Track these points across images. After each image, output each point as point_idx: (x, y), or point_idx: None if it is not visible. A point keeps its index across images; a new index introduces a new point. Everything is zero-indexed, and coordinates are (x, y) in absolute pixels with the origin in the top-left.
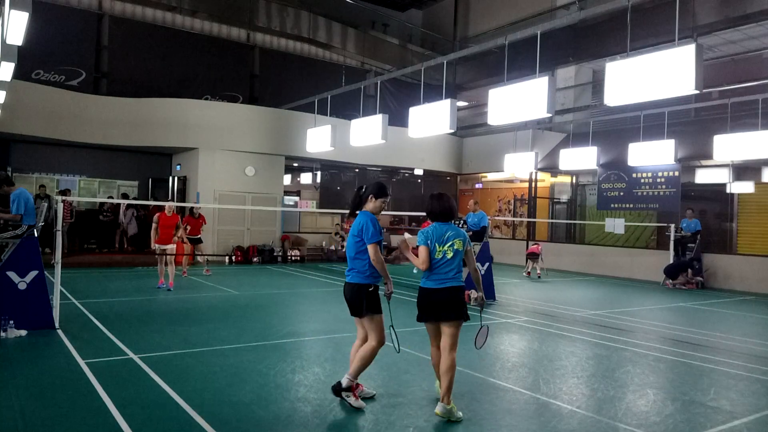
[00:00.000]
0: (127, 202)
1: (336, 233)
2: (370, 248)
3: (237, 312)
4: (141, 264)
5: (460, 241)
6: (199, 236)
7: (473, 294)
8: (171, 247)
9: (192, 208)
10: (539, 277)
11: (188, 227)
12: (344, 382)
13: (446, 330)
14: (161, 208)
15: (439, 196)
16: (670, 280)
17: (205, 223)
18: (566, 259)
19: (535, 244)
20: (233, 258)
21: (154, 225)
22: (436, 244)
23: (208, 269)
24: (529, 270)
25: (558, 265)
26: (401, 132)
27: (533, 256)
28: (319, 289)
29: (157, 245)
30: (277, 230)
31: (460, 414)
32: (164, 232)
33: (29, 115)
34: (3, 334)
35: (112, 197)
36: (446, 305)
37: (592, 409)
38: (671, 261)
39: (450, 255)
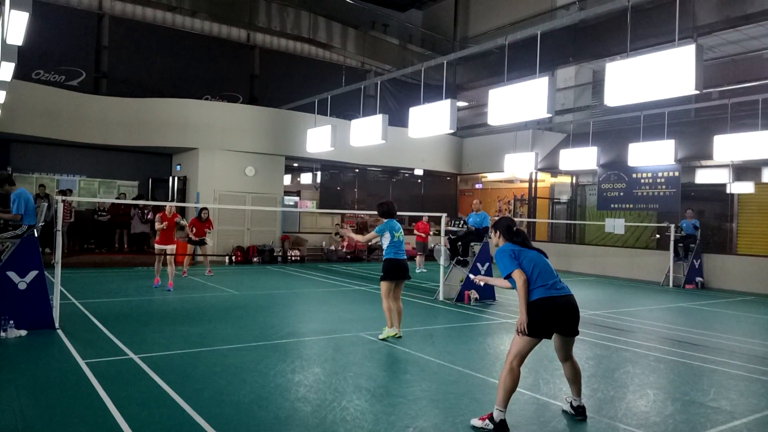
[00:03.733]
0: (129, 202)
1: (336, 233)
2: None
3: (237, 312)
4: (141, 264)
5: (401, 231)
6: (203, 238)
7: (473, 294)
8: (171, 248)
9: (201, 211)
10: None
11: (194, 229)
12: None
13: (401, 284)
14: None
15: (388, 203)
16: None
17: (211, 229)
18: (566, 259)
19: None
20: (233, 258)
21: (158, 226)
22: (395, 232)
23: (210, 270)
24: None
25: (558, 265)
26: (401, 132)
27: None
28: (318, 289)
29: (156, 245)
30: (277, 230)
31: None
32: (164, 233)
33: (29, 115)
34: (3, 334)
35: (124, 195)
36: (406, 270)
37: (592, 409)
38: (671, 261)
39: (402, 238)
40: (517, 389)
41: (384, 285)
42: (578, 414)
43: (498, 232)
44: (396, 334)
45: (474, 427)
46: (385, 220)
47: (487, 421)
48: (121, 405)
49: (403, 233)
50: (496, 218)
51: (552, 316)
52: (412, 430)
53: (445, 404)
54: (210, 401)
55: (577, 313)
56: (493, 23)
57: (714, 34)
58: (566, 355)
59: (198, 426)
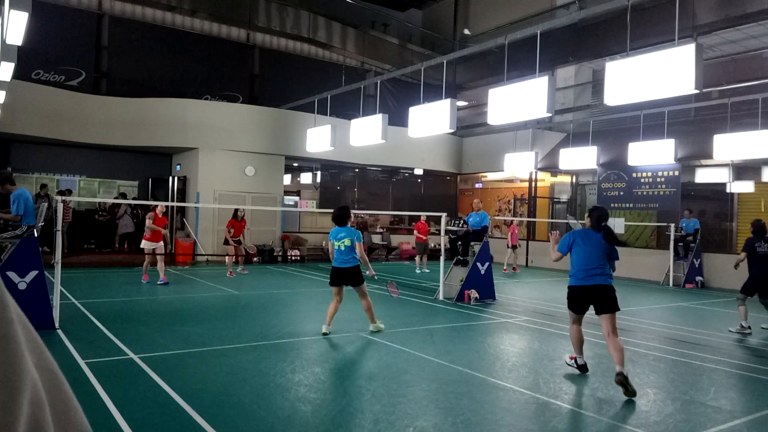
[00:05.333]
0: (122, 201)
1: None
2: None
3: (237, 312)
4: (141, 264)
5: (349, 239)
6: (239, 238)
7: (473, 294)
8: (159, 245)
9: (236, 210)
10: (515, 271)
11: (232, 230)
12: None
13: (354, 289)
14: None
15: (339, 208)
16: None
17: (245, 227)
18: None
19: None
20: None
21: (149, 224)
22: (335, 240)
23: (244, 269)
24: (512, 265)
25: (558, 264)
26: (401, 132)
27: (514, 248)
28: (319, 289)
29: (147, 243)
30: (277, 230)
31: (382, 325)
32: (154, 232)
33: (29, 115)
34: None
35: (125, 194)
36: (346, 278)
37: (592, 408)
38: (671, 260)
39: (342, 248)
40: (517, 389)
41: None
42: (617, 377)
43: (589, 218)
44: (324, 331)
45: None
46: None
47: (573, 361)
48: (121, 405)
49: (348, 242)
50: (497, 218)
51: (578, 299)
52: (412, 430)
53: (445, 404)
54: (210, 401)
55: (607, 296)
56: (492, 23)
57: (714, 34)
58: (607, 331)
59: (198, 426)
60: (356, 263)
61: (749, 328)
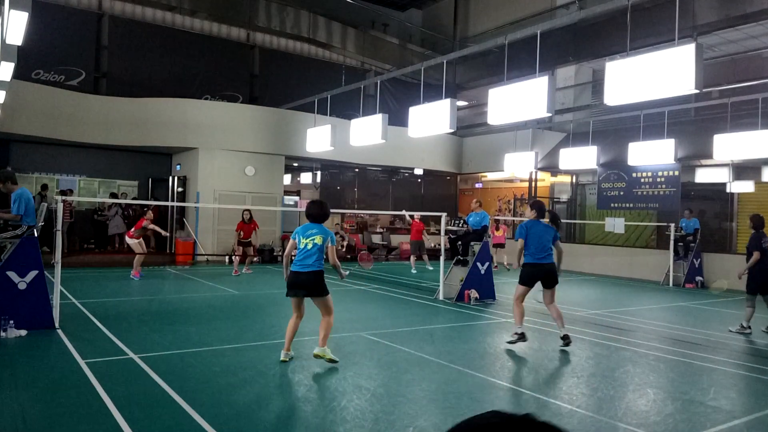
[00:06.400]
0: (121, 201)
1: (336, 233)
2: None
3: (237, 312)
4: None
5: (320, 237)
6: (249, 239)
7: (473, 294)
8: (133, 242)
9: (243, 213)
10: (508, 269)
11: (242, 233)
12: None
13: (315, 302)
14: (161, 209)
15: (311, 202)
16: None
17: (257, 228)
18: (566, 258)
19: (500, 232)
20: (233, 256)
21: (144, 225)
22: (301, 237)
23: (248, 268)
24: (495, 264)
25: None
26: (401, 132)
27: (500, 246)
28: None
29: (132, 240)
30: (277, 230)
31: (336, 359)
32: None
33: (29, 115)
34: (3, 334)
35: (125, 194)
36: (307, 287)
37: (592, 408)
38: (671, 260)
39: (310, 245)
40: (517, 389)
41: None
42: (564, 340)
43: (533, 210)
44: (283, 359)
45: (509, 342)
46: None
47: (514, 336)
48: (121, 405)
49: (319, 240)
50: (497, 218)
51: (532, 275)
52: (412, 430)
53: (445, 404)
54: (210, 401)
55: (553, 274)
56: (493, 23)
57: (714, 33)
58: (548, 301)
59: (198, 426)
60: (320, 268)
61: (749, 328)
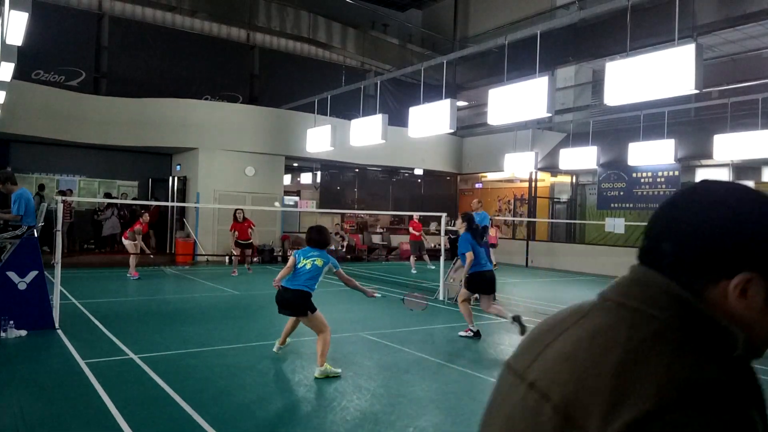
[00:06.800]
0: (119, 201)
1: (336, 233)
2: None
3: (237, 312)
4: (140, 264)
5: (321, 260)
6: (249, 241)
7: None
8: (127, 243)
9: (235, 212)
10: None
11: (236, 232)
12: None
13: (302, 321)
14: (161, 209)
15: (312, 229)
16: None
17: (253, 227)
18: (566, 258)
19: (492, 232)
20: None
21: (138, 227)
22: (302, 257)
23: (249, 268)
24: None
25: (558, 264)
26: (401, 132)
27: (492, 246)
28: (319, 289)
29: (127, 241)
30: (277, 230)
31: (338, 370)
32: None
33: (29, 115)
34: (3, 334)
35: (125, 194)
36: (292, 307)
37: None
38: None
39: (309, 266)
40: None
41: None
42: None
43: (465, 223)
44: (277, 349)
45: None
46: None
47: (468, 332)
48: (121, 405)
49: (320, 262)
50: (497, 217)
51: (481, 282)
52: (412, 430)
53: (445, 404)
54: (210, 401)
55: (494, 280)
56: (492, 23)
57: (714, 34)
58: (486, 306)
59: (198, 426)
60: (308, 290)
61: None
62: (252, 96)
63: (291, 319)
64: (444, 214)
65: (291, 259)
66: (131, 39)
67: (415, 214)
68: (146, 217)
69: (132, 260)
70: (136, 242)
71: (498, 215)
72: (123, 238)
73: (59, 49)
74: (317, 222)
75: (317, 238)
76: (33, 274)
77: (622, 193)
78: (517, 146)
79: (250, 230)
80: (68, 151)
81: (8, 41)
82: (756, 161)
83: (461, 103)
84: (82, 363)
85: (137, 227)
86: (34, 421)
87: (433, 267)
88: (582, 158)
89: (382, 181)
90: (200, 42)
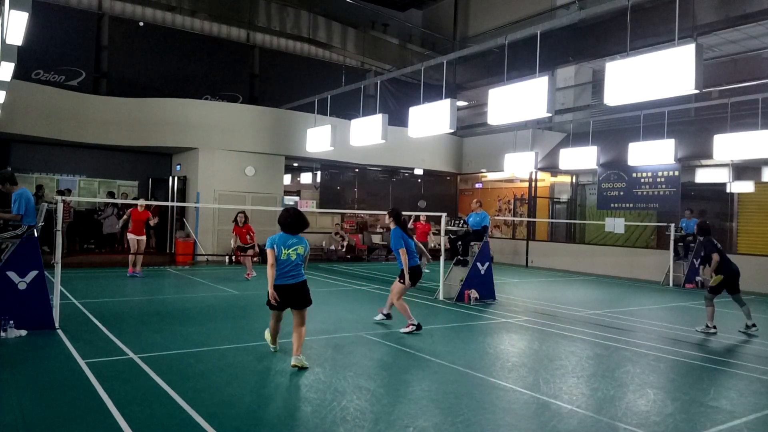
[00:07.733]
0: (118, 201)
1: (336, 233)
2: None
3: (237, 312)
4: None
5: (302, 247)
6: (251, 244)
7: (473, 294)
8: (142, 238)
9: (237, 216)
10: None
11: (237, 237)
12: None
13: (298, 313)
14: (162, 209)
15: (284, 211)
16: None
17: (252, 233)
18: (566, 258)
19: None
20: (233, 258)
21: (125, 217)
22: (283, 248)
23: (248, 274)
24: None
25: (558, 264)
26: (401, 132)
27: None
28: (319, 289)
29: (130, 235)
30: (277, 230)
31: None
32: (136, 225)
33: (29, 115)
34: (3, 334)
35: (126, 194)
36: (299, 295)
37: (592, 408)
38: (671, 260)
39: (294, 256)
40: (517, 389)
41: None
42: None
43: (392, 218)
44: (274, 348)
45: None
46: (280, 232)
47: (411, 327)
48: (121, 405)
49: (302, 249)
50: (497, 217)
51: (416, 275)
52: (412, 430)
53: (445, 404)
54: (210, 401)
55: (420, 274)
56: (492, 23)
57: (714, 34)
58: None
59: (198, 426)
60: (305, 278)
61: (715, 327)
62: (252, 96)
63: (273, 318)
64: (444, 214)
65: (270, 255)
66: (131, 39)
67: (422, 215)
68: (142, 201)
69: (138, 258)
70: (140, 239)
71: (498, 215)
72: (128, 233)
73: (59, 49)
74: (317, 222)
75: (295, 224)
76: (33, 273)
77: (622, 193)
78: (517, 146)
79: (248, 236)
80: (68, 151)
81: (8, 41)
82: (756, 161)
83: (461, 103)
84: (82, 363)
85: (147, 218)
86: (34, 421)
87: (428, 271)
88: (582, 158)
89: (382, 181)
90: (200, 42)
